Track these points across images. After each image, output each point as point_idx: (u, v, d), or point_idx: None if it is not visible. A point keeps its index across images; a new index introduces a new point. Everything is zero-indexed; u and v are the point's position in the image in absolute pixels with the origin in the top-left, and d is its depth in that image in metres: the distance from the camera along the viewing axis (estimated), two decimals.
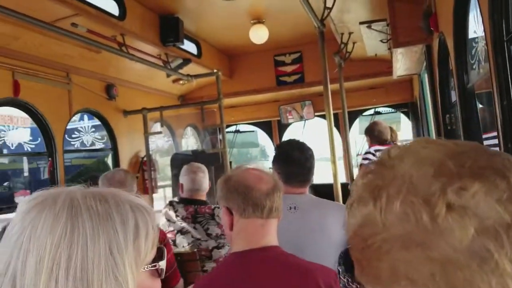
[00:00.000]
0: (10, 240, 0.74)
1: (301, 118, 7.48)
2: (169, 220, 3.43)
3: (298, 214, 2.23)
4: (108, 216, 0.75)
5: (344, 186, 3.84)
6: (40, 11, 3.35)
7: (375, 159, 0.62)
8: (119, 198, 0.79)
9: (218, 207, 3.44)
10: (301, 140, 2.50)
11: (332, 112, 3.66)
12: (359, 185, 0.58)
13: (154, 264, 0.82)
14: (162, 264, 0.83)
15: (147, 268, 0.80)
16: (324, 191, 3.42)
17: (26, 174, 12.18)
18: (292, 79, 6.54)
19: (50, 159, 4.19)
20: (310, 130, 7.76)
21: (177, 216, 3.41)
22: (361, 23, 4.30)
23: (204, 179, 3.52)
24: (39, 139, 4.49)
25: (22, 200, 0.80)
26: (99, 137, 5.84)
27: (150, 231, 0.79)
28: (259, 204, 1.62)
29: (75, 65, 4.44)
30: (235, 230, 1.65)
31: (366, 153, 4.87)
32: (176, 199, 3.63)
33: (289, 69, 6.53)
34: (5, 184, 11.17)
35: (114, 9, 3.99)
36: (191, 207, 3.41)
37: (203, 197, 3.53)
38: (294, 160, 2.36)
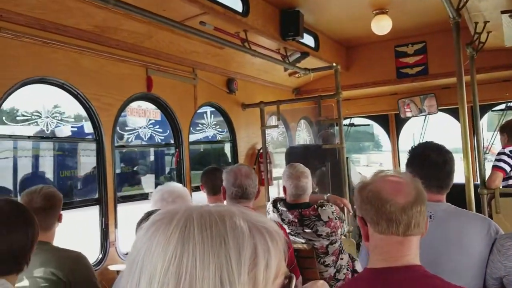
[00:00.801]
0: (129, 258, 0.72)
1: (420, 111, 7.04)
2: (275, 221, 3.46)
3: (434, 224, 2.06)
4: (222, 241, 0.68)
5: (475, 187, 3.52)
6: (171, 11, 3.53)
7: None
8: (237, 219, 0.72)
9: (322, 206, 3.39)
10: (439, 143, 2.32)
11: (466, 106, 3.36)
12: None
13: None
14: None
15: None
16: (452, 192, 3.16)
17: (152, 159, 13.89)
18: (414, 71, 6.16)
19: (177, 150, 4.45)
20: (432, 125, 7.29)
21: (282, 220, 3.43)
22: (503, 12, 3.87)
23: (308, 184, 3.50)
24: (168, 131, 4.78)
25: (149, 219, 0.77)
26: (220, 131, 6.07)
27: (272, 260, 0.70)
28: (394, 220, 1.46)
29: (200, 60, 4.64)
30: (371, 243, 1.55)
31: (500, 153, 4.42)
32: (281, 197, 3.64)
33: (411, 60, 6.16)
34: (135, 168, 12.98)
35: (238, 6, 4.07)
36: (295, 211, 3.41)
37: (307, 200, 3.51)
38: (430, 162, 2.19)
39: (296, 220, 3.37)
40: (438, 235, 2.03)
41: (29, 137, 4.72)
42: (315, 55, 5.55)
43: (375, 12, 4.98)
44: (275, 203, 3.54)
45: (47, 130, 4.83)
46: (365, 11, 4.95)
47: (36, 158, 11.58)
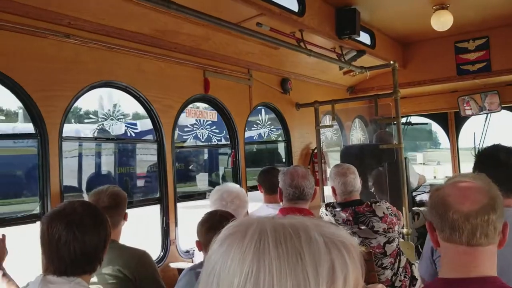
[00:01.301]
0: (205, 271, 0.73)
1: (481, 109, 6.72)
2: None
3: None
4: (298, 256, 0.67)
5: None
6: (228, 13, 3.57)
7: None
8: (313, 233, 0.70)
9: (375, 203, 3.32)
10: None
11: None
12: None
13: None
14: None
15: None
16: None
17: (205, 157, 14.30)
18: (475, 67, 5.90)
19: (233, 150, 4.51)
20: (495, 124, 6.95)
21: (336, 220, 3.38)
22: None
23: (356, 180, 3.45)
24: (224, 131, 4.85)
25: (222, 232, 0.76)
26: (274, 130, 6.09)
27: (350, 275, 0.68)
28: (457, 228, 1.39)
29: (255, 61, 4.67)
30: (441, 250, 1.51)
31: None
32: (333, 201, 3.60)
33: (472, 56, 5.89)
34: (190, 167, 13.44)
35: (294, 6, 4.06)
36: (349, 209, 3.37)
37: (357, 197, 3.45)
38: (501, 165, 2.09)
39: (351, 218, 3.33)
40: (509, 242, 1.94)
41: (95, 138, 4.94)
42: (372, 53, 5.44)
43: (435, 8, 4.80)
44: (327, 206, 3.52)
45: (109, 129, 5.03)
46: (424, 7, 4.79)
47: (98, 156, 12.22)
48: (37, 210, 2.88)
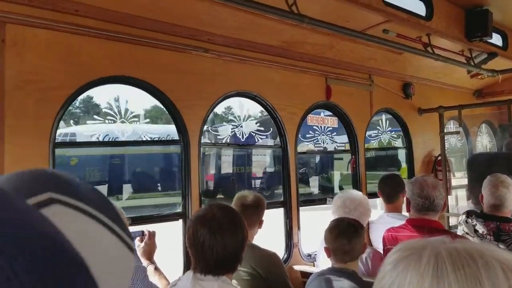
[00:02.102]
0: None
1: None
2: (467, 233, 3.26)
3: None
4: (477, 281, 0.68)
5: None
6: (354, 21, 3.60)
7: None
8: (489, 258, 0.71)
9: None
10: None
11: None
12: None
13: None
14: None
15: None
16: None
17: (316, 161, 14.50)
18: None
19: (353, 156, 4.52)
20: None
21: (475, 231, 3.20)
22: None
23: (507, 196, 3.20)
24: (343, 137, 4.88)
25: (392, 251, 0.82)
26: (395, 136, 5.96)
27: None
28: None
29: (377, 67, 4.63)
30: None
31: None
32: (475, 209, 3.40)
33: None
34: (303, 170, 13.77)
35: (421, 10, 3.96)
36: (492, 223, 3.15)
37: (507, 214, 3.21)
38: None
39: (492, 234, 3.15)
40: None
41: (228, 144, 5.27)
42: (503, 54, 5.07)
43: None
44: (469, 214, 3.36)
45: (239, 135, 5.35)
46: None
47: (219, 157, 13.15)
48: (179, 209, 3.20)
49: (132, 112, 3.34)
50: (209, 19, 3.12)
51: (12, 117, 2.39)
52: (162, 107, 3.25)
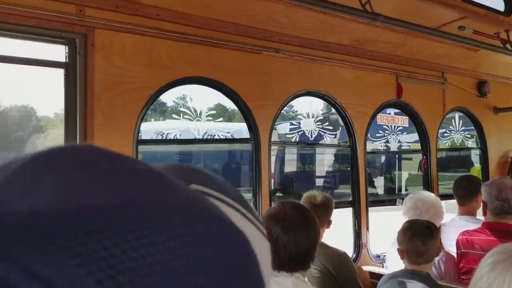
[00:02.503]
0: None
1: None
2: None
3: None
4: None
5: None
6: (428, 18, 3.52)
7: None
8: None
9: None
10: None
11: None
12: None
13: None
14: None
15: None
16: None
17: (382, 161, 14.21)
18: None
19: (424, 157, 4.41)
20: None
21: None
22: None
23: None
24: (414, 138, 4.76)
25: (488, 254, 0.85)
26: (468, 136, 5.74)
27: None
28: None
29: (451, 64, 4.48)
30: None
31: None
32: None
33: None
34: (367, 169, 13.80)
35: (499, 5, 3.79)
36: None
37: None
38: None
39: None
40: None
41: (297, 143, 5.34)
42: None
43: None
44: None
45: (308, 134, 5.39)
46: None
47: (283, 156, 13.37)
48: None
49: (204, 111, 3.46)
50: (282, 20, 3.18)
51: (101, 116, 2.57)
52: (224, 105, 3.35)
